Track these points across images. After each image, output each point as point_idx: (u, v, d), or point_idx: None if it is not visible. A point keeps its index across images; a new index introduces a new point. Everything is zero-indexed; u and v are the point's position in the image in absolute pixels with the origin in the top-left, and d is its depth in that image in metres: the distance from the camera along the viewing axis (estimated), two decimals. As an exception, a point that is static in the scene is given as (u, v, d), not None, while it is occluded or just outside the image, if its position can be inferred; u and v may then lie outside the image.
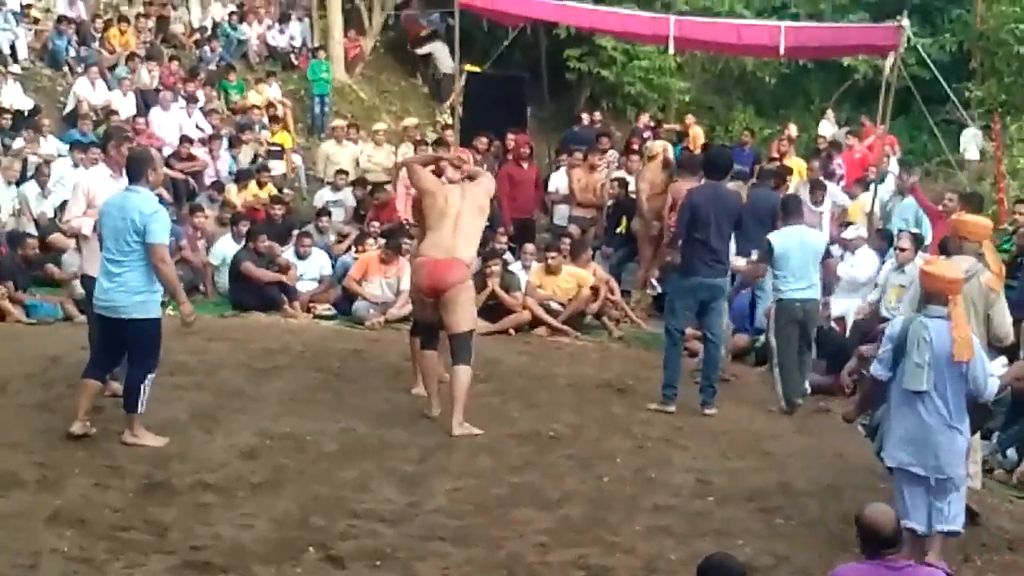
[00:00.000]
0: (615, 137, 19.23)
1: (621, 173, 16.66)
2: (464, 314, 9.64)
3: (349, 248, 15.39)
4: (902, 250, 12.50)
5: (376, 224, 15.13)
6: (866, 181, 16.26)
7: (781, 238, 11.22)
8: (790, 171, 16.11)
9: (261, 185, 16.46)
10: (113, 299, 8.60)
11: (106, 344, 8.88)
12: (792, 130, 21.37)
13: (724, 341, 11.29)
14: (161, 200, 15.70)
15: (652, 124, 21.21)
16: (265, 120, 19.61)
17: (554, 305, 13.74)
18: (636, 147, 17.20)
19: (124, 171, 9.25)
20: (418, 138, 18.70)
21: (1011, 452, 9.81)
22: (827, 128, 22.42)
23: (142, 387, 8.56)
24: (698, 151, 17.78)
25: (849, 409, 8.63)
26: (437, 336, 9.94)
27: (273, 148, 18.12)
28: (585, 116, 21.06)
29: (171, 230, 14.61)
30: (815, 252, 11.34)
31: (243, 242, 14.15)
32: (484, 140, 17.24)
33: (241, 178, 16.71)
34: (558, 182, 17.09)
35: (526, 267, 14.36)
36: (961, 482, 7.58)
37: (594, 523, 8.07)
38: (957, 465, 7.53)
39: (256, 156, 17.91)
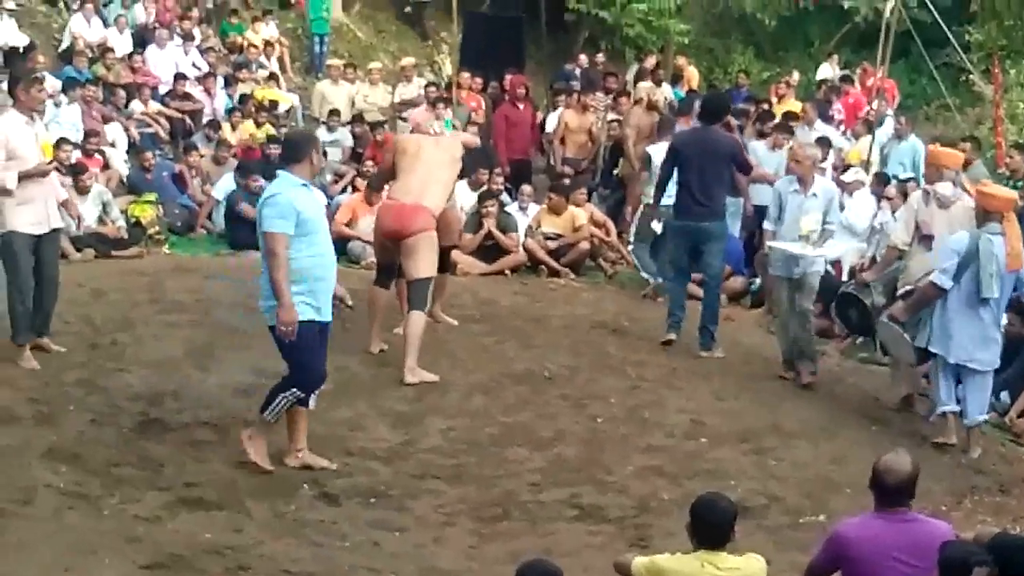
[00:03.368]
0: (619, 79, 19.05)
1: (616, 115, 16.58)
2: (423, 261, 9.48)
3: (345, 188, 15.36)
4: (890, 199, 12.68)
5: (371, 163, 15.05)
6: (867, 122, 16.16)
7: (657, 151, 12.10)
8: (795, 117, 15.79)
9: (259, 125, 16.36)
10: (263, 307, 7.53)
11: None
12: (794, 76, 21.17)
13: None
14: (158, 139, 15.98)
15: (653, 66, 21.07)
16: (262, 59, 19.45)
17: (550, 243, 13.66)
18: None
19: (37, 114, 9.09)
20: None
21: (1004, 395, 9.84)
22: (827, 71, 22.27)
23: (281, 395, 7.48)
24: (692, 93, 17.70)
25: (900, 308, 9.12)
26: (391, 276, 9.93)
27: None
28: (583, 57, 20.91)
29: (163, 165, 14.83)
30: None
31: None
32: (478, 80, 17.30)
33: (235, 112, 16.64)
34: (556, 123, 17.01)
35: (523, 208, 14.28)
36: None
37: (587, 463, 8.11)
38: (996, 360, 8.81)
39: (249, 95, 17.74)
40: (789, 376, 10.07)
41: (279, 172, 7.49)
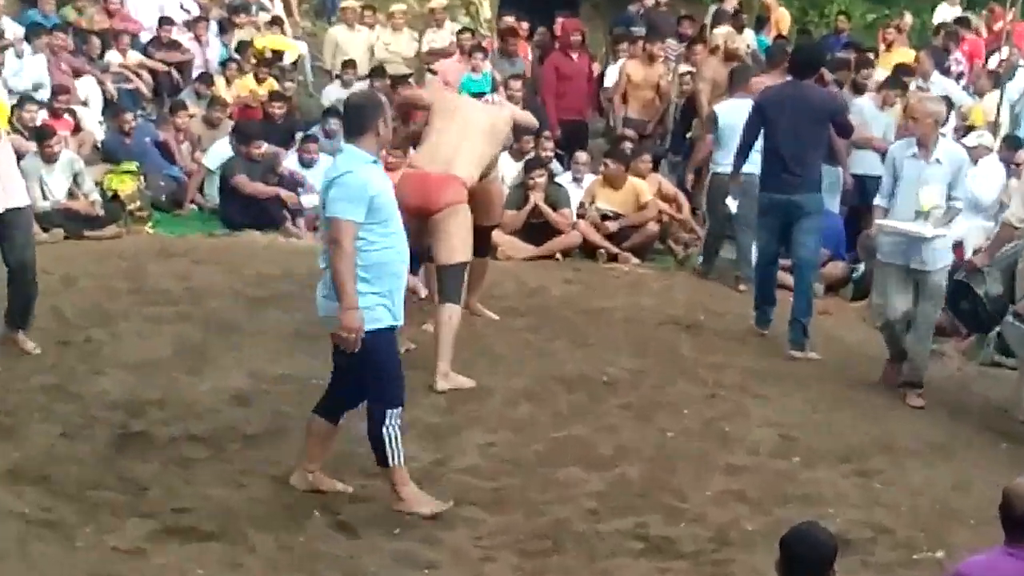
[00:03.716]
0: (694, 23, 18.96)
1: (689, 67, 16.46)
2: (456, 240, 9.42)
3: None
4: (1020, 165, 12.60)
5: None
6: (994, 74, 16.04)
7: (727, 109, 12.38)
8: (908, 69, 15.60)
9: (260, 81, 16.40)
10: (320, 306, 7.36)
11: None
12: (906, 19, 20.97)
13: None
14: (139, 96, 16.04)
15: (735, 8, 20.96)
16: (264, 0, 19.49)
17: (610, 225, 13.61)
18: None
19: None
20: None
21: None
22: (946, 13, 22.12)
23: (384, 431, 7.26)
24: (780, 40, 17.69)
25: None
26: (420, 262, 9.91)
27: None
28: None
29: (145, 127, 14.87)
30: None
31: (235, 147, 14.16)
32: (523, 26, 17.31)
33: (231, 64, 16.67)
34: (616, 77, 16.95)
35: (576, 179, 14.23)
36: None
37: (655, 486, 8.10)
38: None
39: (248, 43, 17.79)
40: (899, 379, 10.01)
41: (343, 146, 7.42)
